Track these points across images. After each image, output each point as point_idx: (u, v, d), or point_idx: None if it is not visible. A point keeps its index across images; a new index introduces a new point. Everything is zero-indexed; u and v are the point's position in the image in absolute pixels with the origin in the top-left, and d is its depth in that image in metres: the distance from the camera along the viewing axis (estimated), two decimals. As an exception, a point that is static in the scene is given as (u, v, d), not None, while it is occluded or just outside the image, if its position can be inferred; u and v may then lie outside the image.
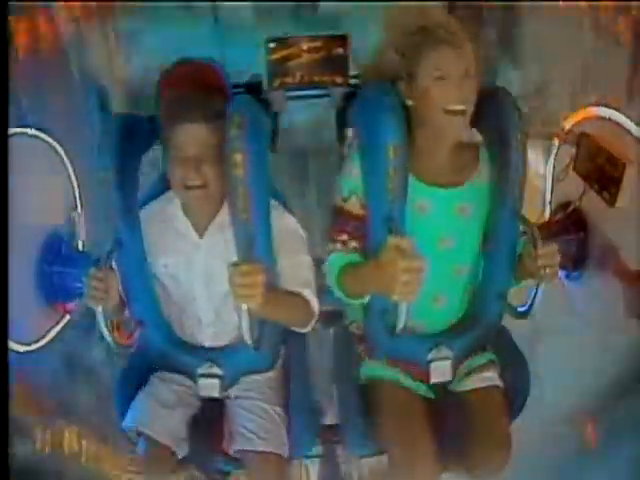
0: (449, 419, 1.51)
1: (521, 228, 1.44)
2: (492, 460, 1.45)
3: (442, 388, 1.53)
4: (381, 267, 1.19)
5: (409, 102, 1.36)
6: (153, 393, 1.56)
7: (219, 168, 1.39)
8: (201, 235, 1.50)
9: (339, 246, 1.42)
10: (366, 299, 1.41)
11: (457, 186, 1.42)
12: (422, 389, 1.53)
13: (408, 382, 1.53)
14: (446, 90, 1.31)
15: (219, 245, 1.47)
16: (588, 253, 1.89)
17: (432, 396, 1.54)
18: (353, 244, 1.41)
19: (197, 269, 1.50)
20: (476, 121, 1.41)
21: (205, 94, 1.43)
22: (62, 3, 2.09)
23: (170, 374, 1.60)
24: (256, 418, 1.52)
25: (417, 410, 1.49)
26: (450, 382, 1.53)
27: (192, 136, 1.38)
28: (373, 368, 1.56)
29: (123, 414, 1.55)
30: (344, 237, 1.41)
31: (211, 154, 1.39)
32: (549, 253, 1.33)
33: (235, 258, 1.34)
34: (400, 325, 1.31)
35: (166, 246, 1.51)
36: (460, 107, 1.31)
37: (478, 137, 1.47)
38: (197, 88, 1.47)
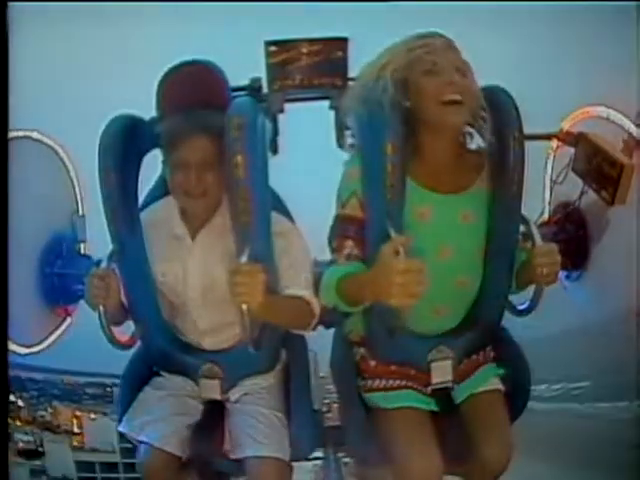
0: (452, 425, 1.50)
1: (521, 229, 1.44)
2: (493, 463, 1.44)
3: (445, 399, 1.52)
4: (377, 271, 1.16)
5: (406, 103, 1.35)
6: (153, 400, 1.56)
7: (219, 175, 1.40)
8: (193, 239, 1.50)
9: (341, 256, 1.38)
10: (366, 305, 1.38)
11: (460, 192, 1.41)
12: (426, 403, 1.52)
13: (411, 399, 1.51)
14: (438, 82, 1.31)
15: (212, 249, 1.47)
16: (588, 252, 1.89)
17: (435, 403, 1.52)
18: (355, 251, 1.38)
19: (193, 278, 1.50)
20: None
21: (205, 106, 1.43)
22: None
23: (171, 377, 1.60)
24: (256, 423, 1.52)
25: (420, 419, 1.48)
26: (452, 389, 1.53)
27: (194, 148, 1.38)
28: (390, 398, 1.52)
29: (123, 415, 1.56)
30: (348, 244, 1.39)
31: (212, 162, 1.39)
32: (547, 252, 1.32)
33: (230, 265, 1.34)
34: (402, 322, 1.31)
35: (163, 254, 1.51)
36: (455, 97, 1.30)
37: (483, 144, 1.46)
38: (197, 94, 1.47)
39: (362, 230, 1.38)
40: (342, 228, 1.40)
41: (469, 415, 1.50)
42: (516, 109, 1.38)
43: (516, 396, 1.56)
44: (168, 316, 1.57)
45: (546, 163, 2.00)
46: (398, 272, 1.11)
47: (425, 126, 1.36)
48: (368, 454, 1.58)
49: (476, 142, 1.45)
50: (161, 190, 1.57)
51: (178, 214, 1.51)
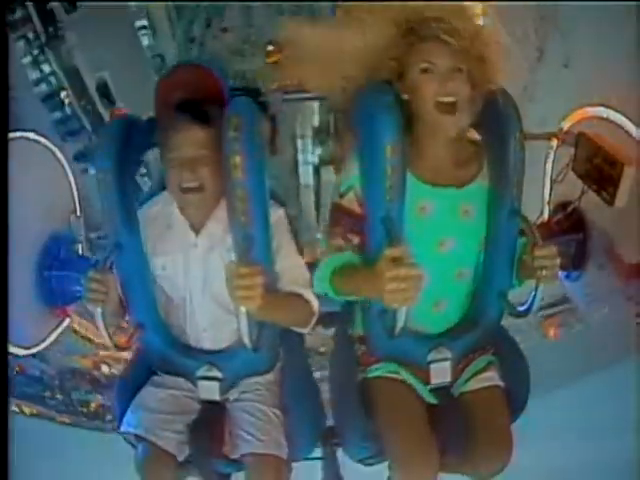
0: (451, 420, 1.49)
1: (521, 228, 1.44)
2: (494, 459, 1.45)
3: (444, 392, 1.53)
4: (371, 276, 1.20)
5: (404, 96, 1.37)
6: (152, 398, 1.56)
7: (215, 169, 1.40)
8: (197, 233, 1.50)
9: (332, 245, 1.40)
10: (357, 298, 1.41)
11: (461, 186, 1.42)
12: (425, 392, 1.52)
13: (411, 380, 1.52)
14: (433, 82, 1.32)
15: (216, 242, 1.47)
16: (587, 253, 1.88)
17: (434, 400, 1.52)
18: (348, 242, 1.39)
19: (194, 270, 1.50)
20: (475, 122, 1.41)
21: (200, 98, 1.44)
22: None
23: (170, 377, 1.60)
24: (255, 420, 1.52)
25: (419, 410, 1.48)
26: (451, 386, 1.53)
27: (188, 139, 1.39)
28: (376, 368, 1.54)
29: (122, 416, 1.55)
30: (339, 231, 1.40)
31: (207, 156, 1.40)
32: (547, 254, 1.32)
33: (232, 257, 1.34)
34: (399, 325, 1.31)
35: (164, 247, 1.51)
36: (449, 99, 1.31)
37: (477, 135, 1.46)
38: (194, 92, 1.47)
39: (357, 223, 1.39)
40: (337, 218, 1.41)
41: (470, 412, 1.50)
42: (516, 110, 1.38)
43: (515, 395, 1.56)
44: (166, 314, 1.56)
45: (546, 163, 1.99)
46: (390, 279, 1.15)
47: (422, 123, 1.37)
48: (366, 454, 1.58)
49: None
50: (160, 185, 1.56)
51: (177, 209, 1.50)
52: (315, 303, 1.44)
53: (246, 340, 1.34)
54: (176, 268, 1.50)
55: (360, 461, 1.64)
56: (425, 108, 1.34)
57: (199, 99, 1.45)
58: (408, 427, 1.43)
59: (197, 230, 1.50)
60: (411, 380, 1.51)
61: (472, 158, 1.44)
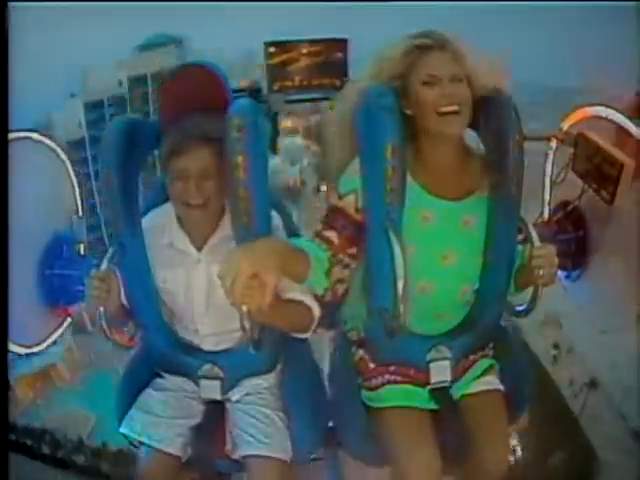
0: (450, 424, 1.50)
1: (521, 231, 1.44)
2: (492, 462, 1.45)
3: (444, 395, 1.53)
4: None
5: (408, 112, 1.37)
6: (154, 402, 1.56)
7: (220, 183, 1.40)
8: (199, 249, 1.50)
9: (321, 241, 1.38)
10: None
11: (462, 199, 1.42)
12: (425, 400, 1.52)
13: (410, 396, 1.51)
14: (435, 93, 1.32)
15: (218, 255, 1.46)
16: (587, 252, 1.89)
17: (434, 405, 1.53)
18: (335, 243, 1.37)
19: (196, 285, 1.50)
20: (474, 124, 1.42)
21: (205, 108, 1.43)
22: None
23: (171, 378, 1.60)
24: (257, 423, 1.52)
25: (420, 418, 1.49)
26: (450, 387, 1.53)
27: (194, 158, 1.38)
28: (373, 398, 1.54)
29: (123, 415, 1.56)
30: (330, 234, 1.38)
31: (212, 171, 1.39)
32: (544, 254, 1.33)
33: None
34: (400, 324, 1.31)
35: (165, 261, 1.51)
36: (452, 108, 1.32)
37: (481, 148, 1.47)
38: (197, 96, 1.47)
39: (350, 227, 1.38)
40: (331, 218, 1.40)
41: (469, 415, 1.50)
42: (515, 112, 1.38)
43: (516, 397, 1.56)
44: (169, 318, 1.57)
45: (545, 163, 1.99)
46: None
47: (426, 134, 1.38)
48: (367, 454, 1.58)
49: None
50: (161, 197, 1.56)
51: (177, 224, 1.50)
52: (316, 308, 1.44)
53: (248, 340, 1.35)
54: (177, 282, 1.50)
55: (361, 462, 1.65)
56: (428, 119, 1.34)
57: (204, 107, 1.43)
58: (410, 437, 1.44)
59: (199, 246, 1.49)
60: (411, 396, 1.50)
61: (475, 169, 1.44)
